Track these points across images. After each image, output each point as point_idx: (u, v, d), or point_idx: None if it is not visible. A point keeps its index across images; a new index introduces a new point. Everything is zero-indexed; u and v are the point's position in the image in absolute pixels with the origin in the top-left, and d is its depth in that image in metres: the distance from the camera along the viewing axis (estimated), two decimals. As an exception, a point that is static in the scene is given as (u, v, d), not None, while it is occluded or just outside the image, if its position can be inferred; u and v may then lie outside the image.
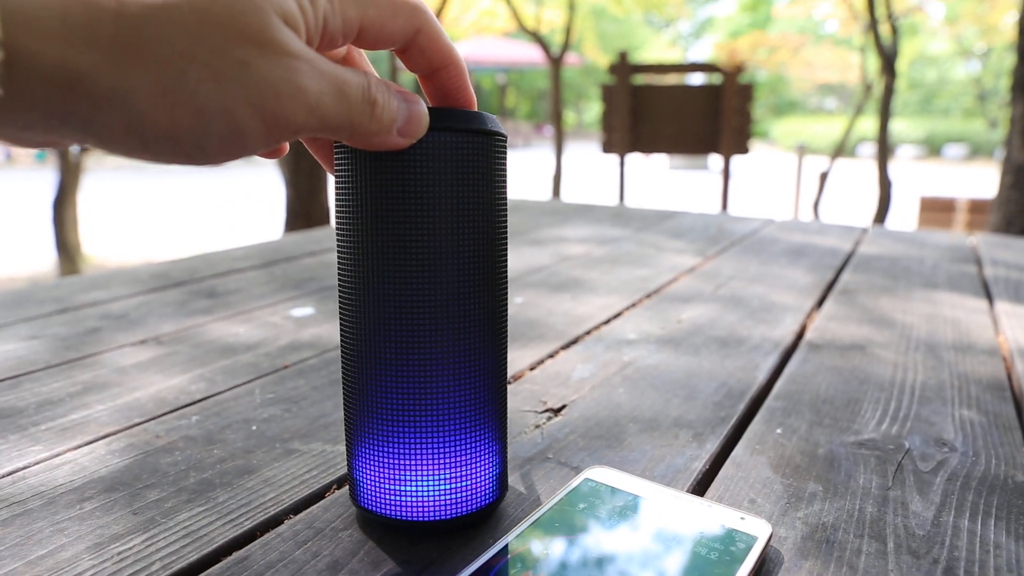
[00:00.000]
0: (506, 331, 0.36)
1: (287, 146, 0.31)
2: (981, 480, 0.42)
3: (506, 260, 0.35)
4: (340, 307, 0.34)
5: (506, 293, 0.36)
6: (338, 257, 0.34)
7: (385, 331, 0.32)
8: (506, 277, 0.35)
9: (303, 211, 3.41)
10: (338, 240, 0.33)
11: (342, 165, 0.32)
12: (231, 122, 0.24)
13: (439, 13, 5.26)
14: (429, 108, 0.31)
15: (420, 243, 0.31)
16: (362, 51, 0.33)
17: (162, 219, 5.79)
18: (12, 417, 0.49)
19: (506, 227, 0.35)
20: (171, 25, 0.22)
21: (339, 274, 0.34)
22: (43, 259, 4.28)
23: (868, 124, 12.80)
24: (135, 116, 0.22)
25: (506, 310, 0.36)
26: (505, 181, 0.34)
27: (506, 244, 0.35)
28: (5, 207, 6.16)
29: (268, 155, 0.30)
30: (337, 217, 0.33)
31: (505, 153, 0.34)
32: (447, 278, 0.32)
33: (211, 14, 0.22)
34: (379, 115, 0.28)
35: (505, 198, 0.34)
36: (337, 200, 0.33)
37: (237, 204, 6.56)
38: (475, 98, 0.34)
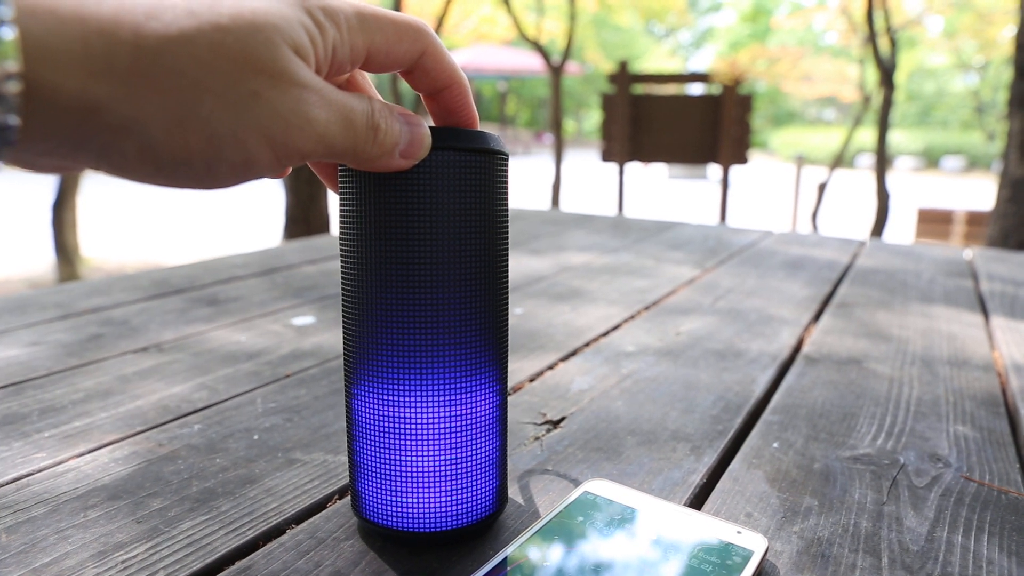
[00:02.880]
0: (507, 345, 0.36)
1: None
2: (975, 496, 0.43)
3: (507, 275, 0.36)
4: (343, 320, 0.35)
5: (507, 307, 0.36)
6: (342, 272, 0.34)
7: (387, 344, 0.33)
8: (507, 292, 0.36)
9: (302, 217, 3.42)
10: (342, 256, 0.34)
11: (347, 184, 0.33)
12: (242, 150, 0.24)
13: (441, 22, 5.28)
14: (432, 128, 0.31)
15: (422, 259, 0.32)
16: (366, 73, 0.34)
17: (160, 223, 5.79)
18: (15, 424, 0.50)
19: (507, 243, 0.36)
20: (186, 57, 0.23)
21: (343, 289, 0.34)
22: (41, 262, 4.28)
23: (867, 135, 12.85)
24: (150, 144, 0.23)
25: (507, 325, 0.36)
26: (506, 198, 0.35)
27: (507, 259, 0.36)
28: (4, 209, 6.16)
29: (273, 176, 0.31)
30: (341, 233, 0.34)
31: (506, 171, 0.35)
32: (448, 293, 0.33)
33: (225, 46, 0.23)
34: (382, 140, 0.28)
35: (506, 215, 0.35)
36: (341, 217, 0.34)
37: (236, 208, 6.57)
38: (478, 117, 0.35)
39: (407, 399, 0.33)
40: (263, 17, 0.24)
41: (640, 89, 4.97)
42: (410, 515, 0.35)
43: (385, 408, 0.34)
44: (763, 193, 9.65)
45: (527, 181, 9.58)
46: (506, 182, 0.35)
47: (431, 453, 0.34)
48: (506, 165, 0.35)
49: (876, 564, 0.36)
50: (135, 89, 0.22)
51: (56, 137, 0.22)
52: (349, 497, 0.40)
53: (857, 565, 0.36)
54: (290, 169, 0.32)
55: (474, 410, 0.34)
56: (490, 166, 0.33)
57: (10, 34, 0.19)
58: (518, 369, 0.62)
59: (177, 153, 0.23)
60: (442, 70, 0.31)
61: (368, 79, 0.34)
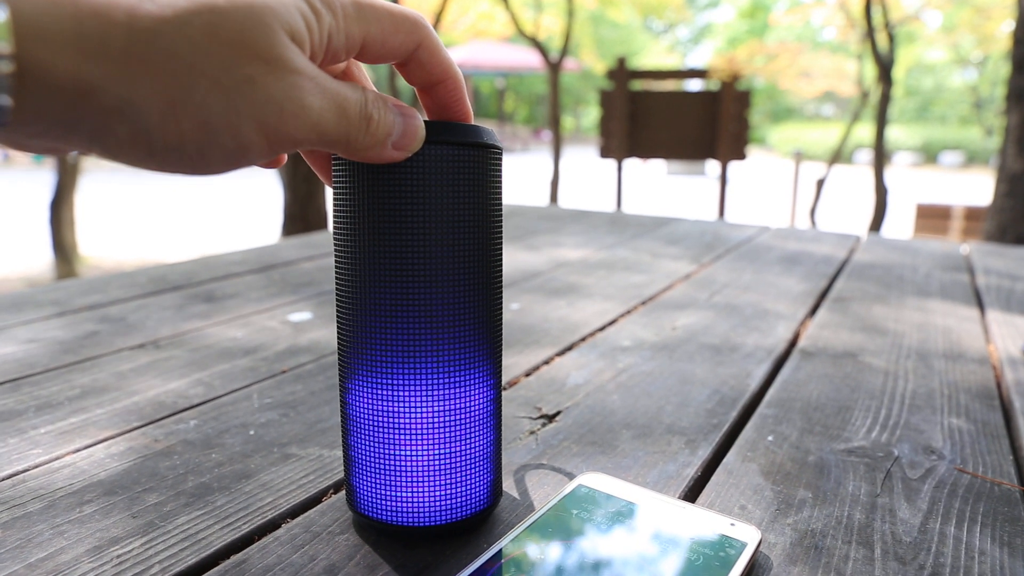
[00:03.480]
0: (501, 339, 0.36)
1: (285, 156, 0.31)
2: (968, 488, 0.43)
3: (501, 269, 0.36)
4: (338, 314, 0.35)
5: (501, 301, 0.36)
6: (336, 266, 0.34)
7: (380, 337, 0.33)
8: (501, 286, 0.36)
9: (300, 215, 3.41)
10: (336, 249, 0.34)
11: (340, 176, 0.33)
12: (235, 135, 0.24)
13: (438, 17, 5.27)
14: (426, 121, 0.31)
15: (416, 253, 0.32)
16: (360, 64, 0.34)
17: (158, 221, 5.79)
18: (11, 420, 0.50)
19: (501, 237, 0.36)
20: (181, 40, 0.22)
21: (336, 283, 0.34)
22: (39, 259, 4.28)
23: (865, 131, 12.84)
24: (143, 127, 0.23)
25: (501, 318, 0.36)
26: (500, 193, 0.35)
27: (500, 253, 0.36)
28: (2, 207, 6.15)
29: (267, 165, 0.31)
30: (335, 226, 0.34)
31: (500, 165, 0.35)
32: (442, 287, 0.33)
33: (221, 30, 0.23)
34: (374, 130, 0.28)
35: (500, 209, 0.35)
36: (335, 210, 0.34)
37: (235, 206, 6.56)
38: (472, 111, 0.35)
39: (401, 393, 0.33)
40: (260, 1, 0.24)
41: (638, 85, 4.97)
42: (404, 509, 0.35)
43: (379, 402, 0.34)
44: (761, 189, 9.65)
45: (525, 178, 9.57)
46: (500, 176, 0.35)
47: (425, 447, 0.34)
48: (500, 159, 0.35)
49: (869, 555, 0.36)
50: (129, 71, 0.22)
51: (48, 118, 0.22)
52: (344, 492, 0.41)
53: (850, 556, 0.36)
54: (285, 158, 0.32)
55: (468, 404, 0.34)
56: (484, 160, 0.33)
57: (2, 15, 0.19)
58: (514, 363, 0.63)
59: (170, 137, 0.23)
60: (437, 64, 0.31)
61: (363, 70, 0.34)
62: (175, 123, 0.23)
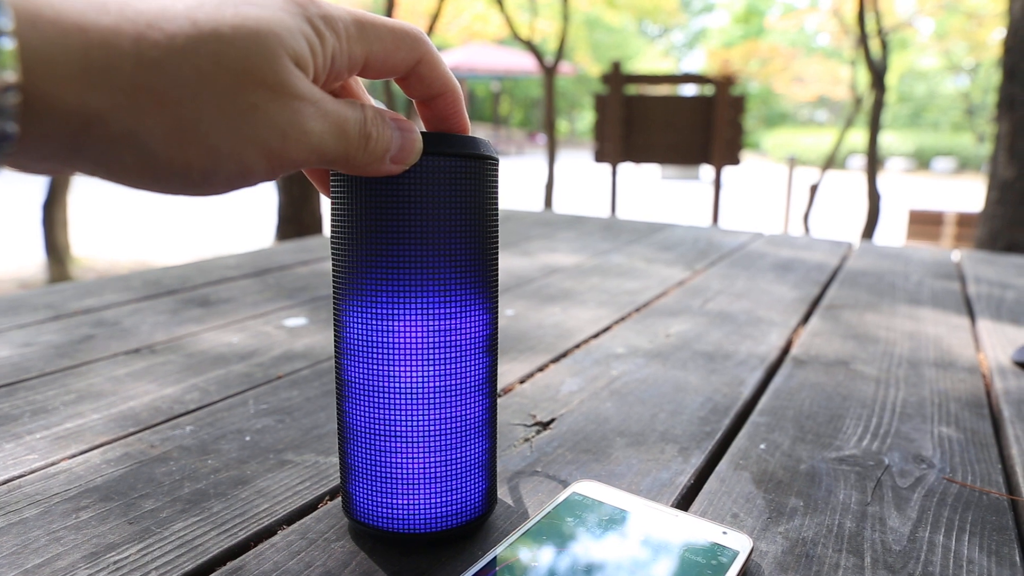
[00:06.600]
0: (497, 347, 0.37)
1: None
2: (957, 497, 0.44)
3: (497, 278, 0.36)
4: (335, 325, 0.35)
5: (497, 310, 0.37)
6: (333, 276, 0.34)
7: (377, 347, 0.33)
8: (497, 294, 0.36)
9: (295, 217, 3.41)
10: (333, 260, 0.34)
11: (338, 188, 0.33)
12: (240, 161, 0.25)
13: (434, 20, 5.28)
14: (424, 133, 0.32)
15: (413, 263, 0.32)
16: (359, 78, 0.34)
17: (152, 222, 5.77)
18: (7, 425, 0.50)
19: (497, 247, 0.36)
20: (188, 69, 0.23)
21: (334, 295, 0.35)
22: (32, 261, 4.26)
23: (858, 136, 12.91)
24: (148, 155, 0.23)
25: (497, 327, 0.37)
26: (497, 203, 0.35)
27: (497, 263, 0.36)
28: (-6, 208, 6.12)
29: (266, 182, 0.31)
30: (333, 237, 0.34)
31: (497, 176, 0.35)
32: (439, 297, 0.33)
33: (226, 58, 0.23)
34: (373, 147, 0.29)
35: (496, 219, 0.36)
36: (333, 221, 0.34)
37: (228, 209, 6.54)
38: (469, 124, 0.35)
39: (400, 403, 0.34)
40: (266, 26, 0.24)
41: (633, 90, 4.98)
42: (400, 516, 0.35)
43: (377, 411, 0.34)
44: (755, 194, 9.69)
45: (520, 182, 9.58)
46: (496, 187, 0.35)
47: (421, 454, 0.34)
48: (496, 170, 0.35)
49: (859, 564, 0.37)
50: (135, 100, 0.22)
51: (54, 145, 0.22)
52: (340, 498, 0.41)
53: (840, 565, 0.36)
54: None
55: (464, 413, 0.35)
56: (480, 171, 0.34)
57: (9, 45, 0.20)
58: (508, 371, 0.63)
59: (176, 163, 0.24)
60: (437, 78, 0.32)
61: (361, 84, 0.35)
62: (181, 150, 0.23)
